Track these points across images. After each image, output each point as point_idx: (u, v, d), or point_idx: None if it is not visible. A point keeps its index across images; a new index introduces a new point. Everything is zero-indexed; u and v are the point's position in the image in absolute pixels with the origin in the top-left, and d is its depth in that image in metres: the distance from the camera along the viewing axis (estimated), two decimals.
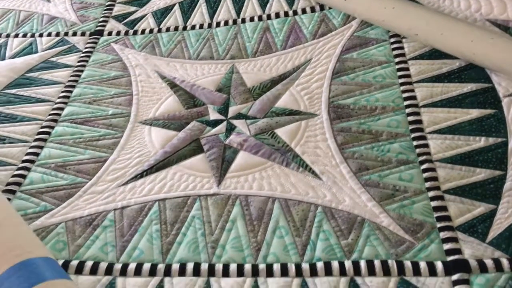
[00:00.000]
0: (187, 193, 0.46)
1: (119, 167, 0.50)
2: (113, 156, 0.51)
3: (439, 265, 0.38)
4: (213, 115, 0.54)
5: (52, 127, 0.56)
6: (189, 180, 0.47)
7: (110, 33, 0.69)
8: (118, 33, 0.69)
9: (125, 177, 0.49)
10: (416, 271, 0.38)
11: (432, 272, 0.38)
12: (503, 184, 0.43)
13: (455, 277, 0.37)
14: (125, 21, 0.71)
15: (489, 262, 0.38)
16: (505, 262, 0.38)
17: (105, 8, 0.74)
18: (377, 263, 0.39)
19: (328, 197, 0.44)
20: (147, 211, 0.46)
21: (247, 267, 0.40)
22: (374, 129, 0.49)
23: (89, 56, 0.65)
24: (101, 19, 0.72)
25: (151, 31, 0.68)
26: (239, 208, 0.44)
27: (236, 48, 0.62)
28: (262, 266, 0.40)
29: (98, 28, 0.70)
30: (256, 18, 0.66)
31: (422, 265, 0.38)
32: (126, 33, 0.69)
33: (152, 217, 0.45)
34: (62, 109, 0.58)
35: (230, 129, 0.52)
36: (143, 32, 0.68)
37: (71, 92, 0.60)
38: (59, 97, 0.60)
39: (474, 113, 0.49)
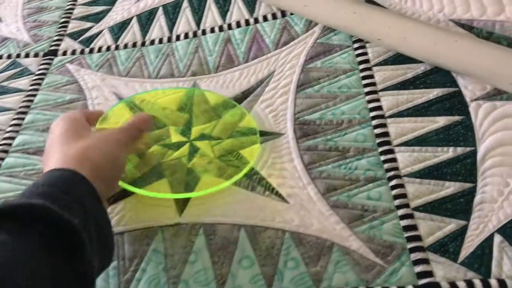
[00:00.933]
0: (147, 224, 0.44)
1: None
2: None
3: None
4: (175, 137, 0.51)
5: (2, 159, 0.53)
6: (149, 210, 0.45)
7: (65, 53, 0.66)
8: (73, 52, 0.66)
9: None
10: None
11: None
12: (473, 197, 0.42)
13: None
14: (81, 38, 0.68)
15: (461, 285, 0.37)
16: (478, 283, 0.37)
17: (60, 25, 0.71)
18: None
19: (296, 221, 0.43)
20: None
21: None
22: (341, 145, 0.48)
23: (42, 79, 0.62)
24: (55, 38, 0.69)
25: (108, 48, 0.65)
26: (203, 238, 0.42)
27: (198, 63, 0.60)
28: None
29: (52, 48, 0.67)
30: (216, 29, 0.64)
31: None
32: (82, 51, 0.66)
33: None
34: (13, 138, 0.55)
35: (193, 151, 0.50)
36: (99, 50, 0.65)
37: (23, 119, 0.57)
38: (10, 125, 0.57)
39: (441, 121, 0.48)
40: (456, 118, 0.48)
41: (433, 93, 0.50)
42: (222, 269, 0.40)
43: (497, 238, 0.39)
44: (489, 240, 0.39)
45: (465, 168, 0.44)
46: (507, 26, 0.51)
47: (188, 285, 0.40)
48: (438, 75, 0.51)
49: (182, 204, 0.45)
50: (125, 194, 0.47)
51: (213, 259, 0.41)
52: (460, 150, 0.45)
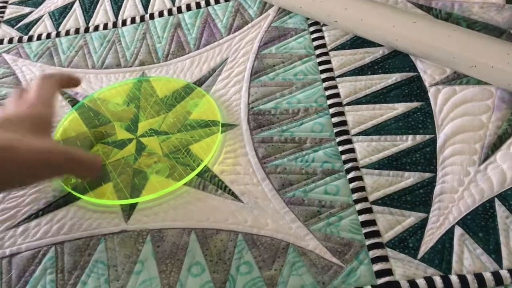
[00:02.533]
0: (90, 232, 0.41)
1: (9, 206, 0.44)
2: (2, 194, 0.45)
3: None
4: (120, 134, 0.48)
5: None
6: (93, 217, 0.42)
7: (1, 41, 0.61)
8: (10, 41, 0.61)
9: (16, 218, 0.43)
10: None
11: None
12: (433, 188, 0.40)
13: None
14: (19, 25, 0.63)
15: (421, 282, 0.35)
16: (438, 280, 0.35)
17: None
18: None
19: (249, 222, 0.40)
20: (41, 257, 0.40)
21: None
22: (297, 136, 0.45)
23: None
24: None
25: (48, 35, 0.60)
26: (149, 246, 0.39)
27: (146, 51, 0.56)
28: None
29: None
30: (165, 13, 0.60)
31: None
32: (20, 40, 0.61)
33: (47, 265, 0.39)
34: None
35: (140, 149, 0.46)
36: (39, 37, 0.60)
37: None
38: None
39: (400, 107, 0.46)
40: (415, 104, 0.46)
41: (392, 78, 0.48)
42: (170, 278, 0.37)
43: (458, 231, 0.38)
44: (449, 233, 0.38)
45: (424, 157, 0.42)
46: (466, 6, 0.49)
47: None
48: (396, 59, 0.49)
49: (128, 210, 0.42)
50: (67, 200, 0.43)
51: (161, 267, 0.38)
52: (419, 138, 0.43)
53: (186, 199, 0.42)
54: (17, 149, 0.34)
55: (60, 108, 0.52)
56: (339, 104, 0.47)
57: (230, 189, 0.42)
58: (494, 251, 0.36)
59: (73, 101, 0.52)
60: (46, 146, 0.36)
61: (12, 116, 0.38)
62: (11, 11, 0.65)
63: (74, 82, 0.46)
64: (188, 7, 0.59)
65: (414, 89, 0.47)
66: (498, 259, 0.36)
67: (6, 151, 0.34)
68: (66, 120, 0.49)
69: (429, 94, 0.46)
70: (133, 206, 0.42)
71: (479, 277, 0.35)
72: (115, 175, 0.44)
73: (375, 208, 0.40)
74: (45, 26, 0.62)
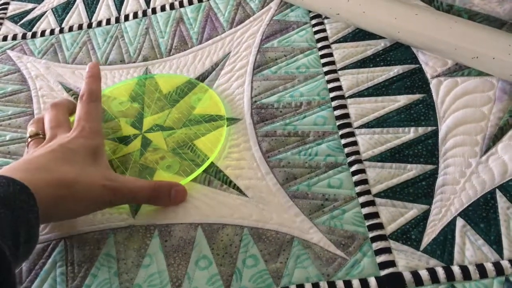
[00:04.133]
0: (98, 227, 0.42)
1: None
2: None
3: (372, 281, 0.36)
4: (126, 130, 0.48)
5: None
6: (102, 211, 0.43)
7: (5, 38, 0.61)
8: (14, 37, 0.61)
9: None
10: None
11: None
12: (435, 180, 0.41)
13: None
14: (22, 21, 0.63)
15: (424, 273, 0.36)
16: (440, 271, 0.36)
17: None
18: (308, 287, 0.36)
19: (255, 216, 0.41)
20: (51, 251, 0.41)
21: None
22: (300, 129, 0.46)
23: None
24: None
25: (52, 32, 0.61)
26: (157, 240, 0.40)
27: (149, 46, 0.56)
28: None
29: None
30: (167, 7, 0.60)
31: (355, 284, 0.36)
32: (24, 36, 0.61)
33: (57, 258, 0.40)
34: None
35: (146, 144, 0.47)
36: (43, 34, 0.61)
37: None
38: None
39: (402, 100, 0.46)
40: (417, 96, 0.46)
41: (394, 70, 0.48)
42: (178, 271, 0.38)
43: (460, 222, 0.38)
44: (451, 224, 0.38)
45: (426, 149, 0.42)
46: None
47: None
48: (398, 52, 0.49)
49: (135, 205, 0.43)
50: None
51: (169, 261, 0.39)
52: (421, 130, 0.44)
53: (191, 195, 0.43)
54: (81, 184, 0.36)
55: None
56: (342, 97, 0.47)
57: (235, 184, 0.43)
58: (495, 242, 0.37)
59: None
60: (110, 185, 0.37)
61: (71, 145, 0.39)
62: (14, 8, 0.66)
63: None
64: (190, 1, 0.59)
65: (416, 81, 0.47)
66: (499, 250, 0.36)
67: (71, 187, 0.35)
68: (72, 118, 0.50)
69: (431, 86, 0.46)
70: None
71: (480, 268, 0.36)
72: (124, 170, 0.45)
73: (378, 200, 0.40)
74: (49, 22, 0.62)
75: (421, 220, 0.39)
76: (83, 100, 0.44)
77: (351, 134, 0.45)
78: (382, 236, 0.38)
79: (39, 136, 0.43)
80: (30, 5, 0.65)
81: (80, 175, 0.36)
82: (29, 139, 0.43)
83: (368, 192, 0.41)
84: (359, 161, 0.43)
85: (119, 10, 0.61)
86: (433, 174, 0.41)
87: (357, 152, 0.43)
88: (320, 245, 0.38)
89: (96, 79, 0.46)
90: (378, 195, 0.40)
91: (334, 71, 0.49)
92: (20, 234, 0.31)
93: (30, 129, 0.43)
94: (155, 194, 0.40)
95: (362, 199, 0.40)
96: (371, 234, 0.38)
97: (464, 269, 0.36)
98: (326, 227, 0.39)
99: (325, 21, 0.53)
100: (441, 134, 0.43)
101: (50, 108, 0.45)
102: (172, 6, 0.60)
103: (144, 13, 0.60)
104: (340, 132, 0.45)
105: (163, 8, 0.60)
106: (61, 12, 0.63)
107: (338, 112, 0.46)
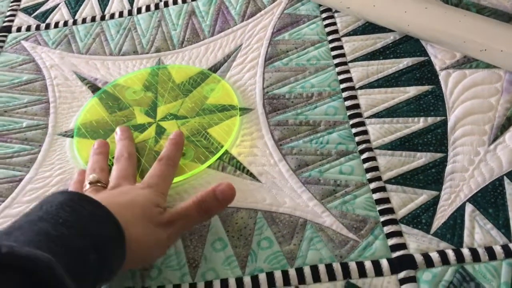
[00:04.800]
0: None
1: (37, 186, 0.46)
2: (29, 175, 0.46)
3: (384, 263, 0.37)
4: (140, 119, 0.49)
5: None
6: None
7: (19, 29, 0.62)
8: (28, 28, 0.62)
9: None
10: (362, 273, 0.37)
11: (378, 271, 0.37)
12: (445, 167, 0.42)
13: (401, 275, 0.36)
14: (36, 13, 0.64)
15: (434, 256, 0.37)
16: (450, 253, 0.37)
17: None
18: (321, 268, 0.37)
19: (268, 200, 0.42)
20: None
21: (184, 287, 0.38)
22: (311, 119, 0.47)
23: None
24: (8, 13, 0.65)
25: (65, 23, 0.62)
26: None
27: (161, 38, 0.57)
28: (200, 285, 0.38)
29: (5, 24, 0.63)
30: (179, 0, 0.61)
31: (368, 265, 0.37)
32: (38, 27, 0.62)
33: None
34: None
35: (160, 132, 0.48)
36: (56, 25, 0.62)
37: None
38: None
39: (412, 91, 0.47)
40: (426, 87, 0.47)
41: (403, 62, 0.49)
42: (194, 253, 0.39)
43: (469, 208, 0.39)
44: (460, 209, 0.39)
45: (435, 138, 0.43)
46: None
47: (160, 271, 0.39)
48: (407, 44, 0.51)
49: None
50: None
51: (185, 243, 0.40)
52: (430, 120, 0.45)
53: (206, 180, 0.44)
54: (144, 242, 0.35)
55: (80, 93, 0.53)
56: (352, 88, 0.48)
57: (248, 170, 0.44)
58: (504, 226, 0.38)
59: (93, 87, 0.53)
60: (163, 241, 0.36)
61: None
62: (28, 0, 0.67)
63: None
64: None
65: (425, 73, 0.48)
66: (507, 233, 0.37)
67: (133, 244, 0.33)
68: (87, 106, 0.51)
69: (440, 78, 0.48)
70: None
71: (489, 250, 0.37)
72: (140, 157, 0.46)
73: (389, 186, 0.41)
74: (62, 14, 0.63)
75: (431, 205, 0.40)
76: (162, 161, 0.42)
77: (362, 124, 0.46)
78: (393, 220, 0.39)
79: (98, 184, 0.40)
80: None
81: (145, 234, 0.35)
82: (88, 186, 0.40)
83: (379, 178, 0.42)
84: (369, 149, 0.44)
85: (131, 3, 0.62)
86: (443, 162, 0.42)
87: (367, 141, 0.44)
88: (333, 228, 0.39)
89: (179, 147, 0.45)
90: (388, 181, 0.41)
91: (345, 63, 0.50)
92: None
93: (93, 175, 0.40)
94: (204, 206, 0.38)
95: (373, 185, 0.41)
96: (382, 218, 0.39)
97: (474, 251, 0.37)
98: (338, 211, 0.40)
99: (335, 14, 0.55)
100: (450, 123, 0.44)
101: (124, 160, 0.43)
102: (184, 0, 0.61)
103: (157, 6, 0.61)
104: (351, 122, 0.46)
105: (175, 2, 0.61)
106: (74, 5, 0.64)
107: (348, 103, 0.47)
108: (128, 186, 0.39)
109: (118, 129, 0.46)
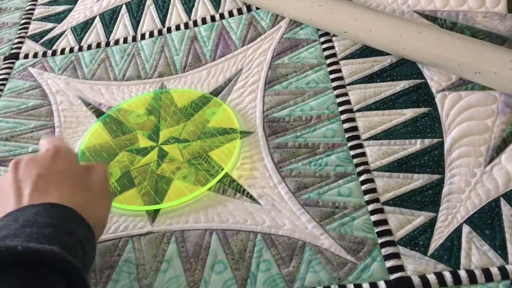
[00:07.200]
0: (117, 235, 0.43)
1: None
2: None
3: (382, 285, 0.37)
4: (143, 142, 0.51)
5: None
6: (120, 220, 0.45)
7: (26, 56, 0.64)
8: (35, 55, 0.64)
9: None
10: None
11: None
12: (441, 188, 0.42)
13: None
14: (42, 40, 0.66)
15: (431, 277, 0.37)
16: (447, 275, 0.37)
17: (20, 27, 0.69)
18: None
19: (268, 222, 0.42)
20: None
21: None
22: (310, 141, 0.48)
23: (4, 84, 0.60)
24: (16, 40, 0.67)
25: (71, 50, 0.64)
26: (174, 246, 0.42)
27: (164, 63, 0.59)
28: None
29: (13, 51, 0.65)
30: (182, 26, 0.63)
31: (365, 287, 0.37)
32: (44, 54, 0.64)
33: None
34: None
35: (162, 156, 0.49)
36: (62, 52, 0.64)
37: None
38: None
39: (408, 113, 0.48)
40: (423, 109, 0.48)
41: (400, 85, 0.50)
42: (194, 276, 0.40)
43: (466, 229, 0.40)
44: (457, 231, 0.40)
45: (432, 160, 0.44)
46: (470, 16, 0.51)
47: None
48: (404, 67, 0.52)
49: (153, 213, 0.44)
50: None
51: (185, 266, 0.40)
52: (427, 141, 0.46)
53: (206, 203, 0.45)
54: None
55: (85, 118, 0.54)
56: (350, 110, 0.49)
57: (248, 192, 0.45)
58: (500, 247, 0.38)
59: (97, 112, 0.55)
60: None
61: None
62: (35, 27, 0.69)
63: None
64: (204, 21, 0.62)
65: (421, 95, 0.49)
66: (504, 255, 0.38)
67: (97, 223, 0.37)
68: (91, 130, 0.52)
69: (436, 100, 0.48)
70: (157, 210, 0.45)
71: (486, 272, 0.37)
72: (141, 180, 0.47)
73: (387, 208, 0.42)
74: (68, 40, 0.65)
75: (429, 227, 0.40)
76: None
77: (360, 146, 0.46)
78: (391, 242, 0.40)
79: None
80: (50, 25, 0.68)
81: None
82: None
83: (376, 200, 0.42)
84: (367, 171, 0.44)
85: (135, 29, 0.64)
86: (439, 183, 0.43)
87: (365, 163, 0.45)
88: (331, 250, 0.40)
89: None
90: (386, 203, 0.42)
91: (343, 86, 0.51)
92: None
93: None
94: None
95: (371, 207, 0.42)
96: (380, 240, 0.40)
97: (471, 273, 0.37)
98: (337, 233, 0.41)
99: (333, 38, 0.56)
100: (446, 145, 0.45)
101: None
102: (186, 26, 0.62)
103: (160, 32, 0.63)
104: (349, 144, 0.47)
105: (178, 28, 0.62)
106: (80, 31, 0.66)
107: (346, 125, 0.48)
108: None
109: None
